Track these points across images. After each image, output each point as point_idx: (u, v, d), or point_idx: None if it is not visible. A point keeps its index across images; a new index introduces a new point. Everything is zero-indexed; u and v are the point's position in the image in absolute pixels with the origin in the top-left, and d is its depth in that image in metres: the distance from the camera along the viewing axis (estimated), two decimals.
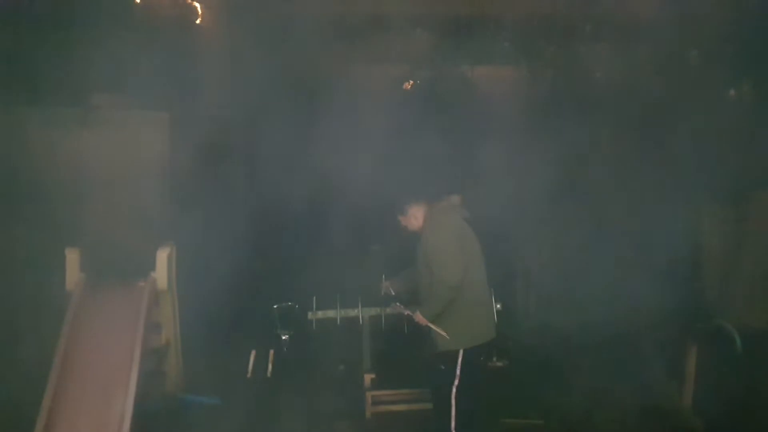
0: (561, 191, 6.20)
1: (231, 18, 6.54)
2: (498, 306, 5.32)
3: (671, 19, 5.88)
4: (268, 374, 5.08)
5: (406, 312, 4.02)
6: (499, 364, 5.75)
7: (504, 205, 5.90)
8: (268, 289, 5.71)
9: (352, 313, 4.96)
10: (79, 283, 3.95)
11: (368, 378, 4.88)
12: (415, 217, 3.92)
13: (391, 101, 6.38)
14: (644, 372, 5.41)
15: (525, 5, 6.05)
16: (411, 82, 6.43)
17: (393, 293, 4.35)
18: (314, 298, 5.02)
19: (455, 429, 3.75)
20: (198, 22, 6.23)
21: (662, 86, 6.03)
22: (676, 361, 5.40)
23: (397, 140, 6.20)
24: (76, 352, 3.48)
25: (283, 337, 5.12)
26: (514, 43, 5.86)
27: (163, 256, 4.26)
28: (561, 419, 4.73)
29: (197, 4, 6.18)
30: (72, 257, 4.09)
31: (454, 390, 3.74)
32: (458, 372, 3.75)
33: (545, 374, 5.48)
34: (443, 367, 3.79)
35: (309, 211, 6.36)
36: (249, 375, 5.06)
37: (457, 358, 3.76)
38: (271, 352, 5.12)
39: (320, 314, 5.04)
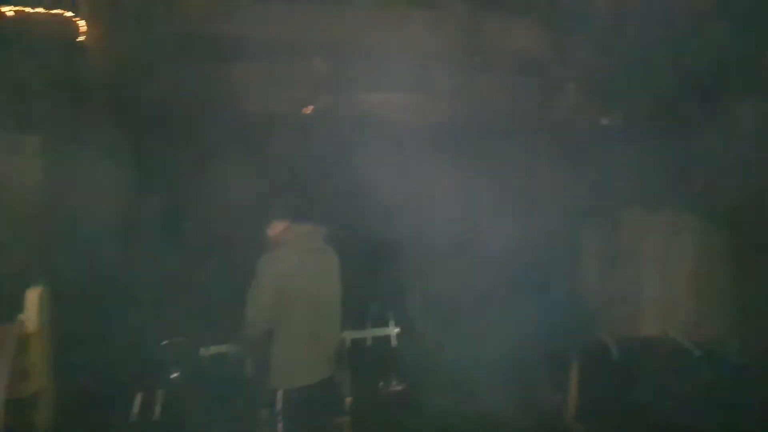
0: (450, 214, 6.41)
1: (117, 37, 6.10)
2: (396, 330, 5.42)
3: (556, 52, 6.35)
4: (156, 416, 4.71)
5: None
6: (398, 388, 5.77)
7: (399, 229, 5.99)
8: (157, 324, 5.33)
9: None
10: None
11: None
12: (271, 233, 3.80)
13: (286, 124, 6.28)
14: (533, 387, 5.67)
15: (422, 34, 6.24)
16: (311, 107, 6.37)
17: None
18: (207, 332, 4.76)
19: None
20: (80, 39, 5.73)
21: (546, 112, 6.48)
22: (562, 375, 5.71)
23: (286, 164, 6.12)
24: None
25: (172, 376, 4.81)
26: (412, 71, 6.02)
27: (33, 297, 3.83)
28: None
29: (79, 21, 5.68)
30: None
31: (279, 430, 3.60)
32: (278, 413, 3.60)
33: (442, 395, 5.57)
34: (267, 406, 3.70)
35: (197, 238, 6.04)
36: (133, 418, 4.67)
37: (275, 399, 3.63)
38: (160, 392, 4.76)
39: (213, 349, 4.79)
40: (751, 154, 6.52)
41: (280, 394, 3.60)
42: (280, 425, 3.58)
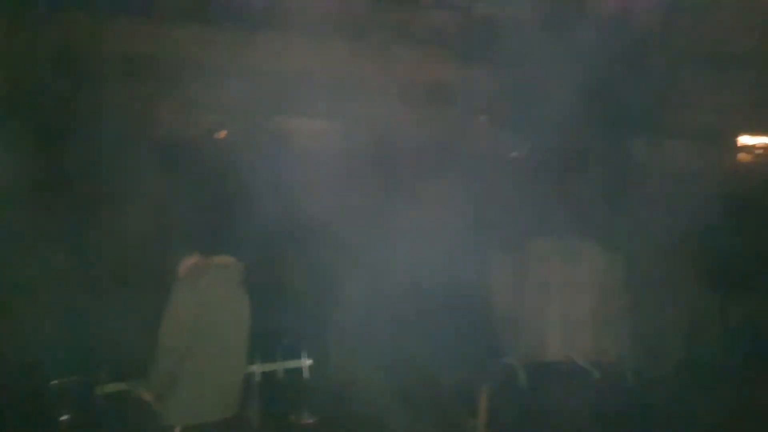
0: (362, 241, 6.40)
1: (18, 50, 5.70)
2: (309, 362, 5.30)
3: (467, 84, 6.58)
4: None
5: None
6: (309, 421, 5.63)
7: (310, 257, 5.92)
8: (43, 359, 4.90)
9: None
10: None
11: None
12: (184, 271, 3.74)
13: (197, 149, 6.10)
14: (447, 414, 5.71)
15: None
16: (224, 131, 6.22)
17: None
18: (105, 368, 4.43)
19: None
20: None
21: (453, 146, 6.68)
22: (473, 399, 5.80)
23: (199, 190, 5.92)
24: None
25: (62, 419, 4.42)
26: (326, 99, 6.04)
27: None
28: None
29: None
30: None
31: None
32: None
33: (356, 428, 5.48)
34: None
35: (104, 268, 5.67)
36: None
37: None
38: None
39: (111, 387, 4.45)
40: (647, 189, 7.05)
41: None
42: None
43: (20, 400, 4.67)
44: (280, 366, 5.17)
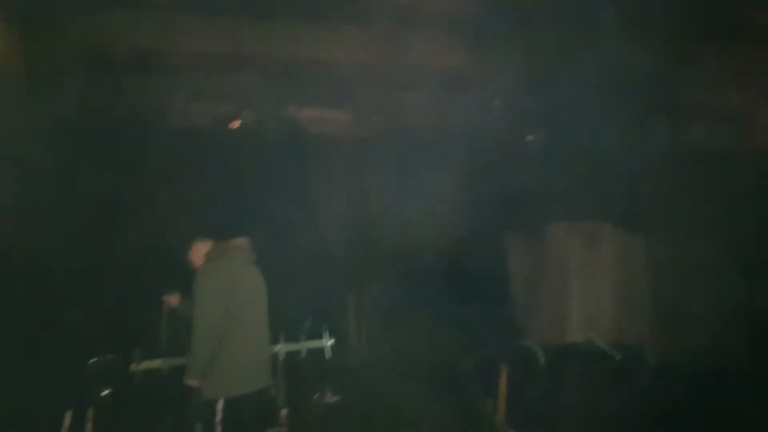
0: (382, 225, 6.53)
1: (31, 46, 5.98)
2: (331, 342, 5.50)
3: (481, 70, 6.60)
4: None
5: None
6: (333, 400, 5.83)
7: (331, 240, 6.08)
8: (85, 340, 5.24)
9: (179, 362, 4.73)
10: None
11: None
12: (197, 255, 3.89)
13: (214, 139, 6.29)
14: (465, 393, 5.85)
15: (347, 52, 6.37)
16: (238, 121, 6.40)
17: (175, 308, 4.25)
18: (138, 348, 4.73)
19: None
20: None
21: (467, 132, 6.73)
22: (493, 380, 5.90)
23: (210, 179, 6.12)
24: None
25: (103, 394, 4.74)
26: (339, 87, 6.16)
27: None
28: None
29: None
30: None
31: None
32: (218, 422, 3.63)
33: (376, 406, 5.68)
34: (203, 420, 3.73)
35: (125, 256, 5.97)
36: None
37: (215, 409, 3.65)
38: (90, 410, 4.68)
39: (144, 365, 4.75)
40: (663, 169, 7.02)
41: (219, 405, 3.61)
42: None
43: (64, 378, 5.04)
44: (303, 346, 5.36)
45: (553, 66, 6.39)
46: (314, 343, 5.44)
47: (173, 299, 4.28)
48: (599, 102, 6.33)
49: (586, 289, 7.47)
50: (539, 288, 7.50)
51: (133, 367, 4.72)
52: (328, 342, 5.47)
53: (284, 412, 4.78)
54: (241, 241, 3.92)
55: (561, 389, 6.33)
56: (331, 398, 5.81)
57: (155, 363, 4.77)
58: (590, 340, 7.22)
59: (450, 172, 6.81)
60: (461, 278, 6.75)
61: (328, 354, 5.48)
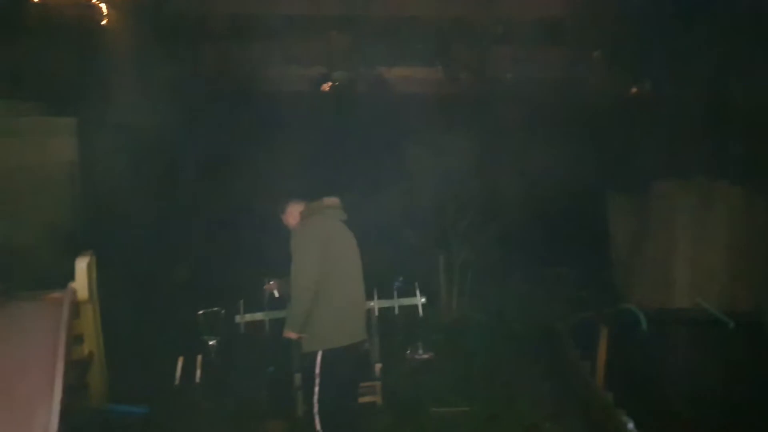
0: (472, 184, 6.42)
1: (140, 19, 6.34)
2: (423, 300, 5.54)
3: (579, 19, 6.25)
4: (197, 380, 5.02)
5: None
6: (425, 356, 5.92)
7: (422, 200, 6.06)
8: (193, 293, 5.65)
9: (281, 314, 4.98)
10: None
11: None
12: (292, 215, 3.97)
13: (304, 102, 6.42)
14: (560, 355, 5.72)
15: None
16: (329, 83, 6.49)
17: (277, 295, 4.39)
18: (241, 301, 5.03)
19: None
20: (103, 23, 6.02)
21: (565, 86, 6.39)
22: (590, 344, 5.71)
23: (301, 140, 6.25)
24: None
25: (210, 343, 5.10)
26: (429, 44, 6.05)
27: (82, 266, 4.12)
28: (486, 405, 4.92)
29: (102, 5, 5.98)
30: None
31: (316, 392, 3.72)
32: (317, 373, 3.72)
33: (469, 364, 5.70)
34: (303, 371, 3.85)
35: (229, 214, 6.31)
36: (177, 382, 4.99)
37: (315, 360, 3.74)
38: (199, 357, 5.07)
39: (248, 317, 5.05)
40: None
41: (318, 357, 3.74)
42: (317, 388, 3.71)
43: (176, 328, 5.49)
44: (395, 303, 5.46)
45: (660, 11, 5.90)
46: (407, 301, 5.50)
47: (272, 287, 4.44)
48: (719, 47, 5.79)
49: (696, 252, 7.04)
50: (643, 249, 7.14)
51: (238, 318, 5.03)
52: (421, 300, 5.51)
53: (379, 366, 4.91)
54: (333, 200, 4.01)
55: (666, 356, 6.04)
56: (422, 355, 5.91)
57: (258, 315, 5.06)
58: (700, 306, 6.84)
59: (546, 127, 6.56)
60: (558, 238, 6.55)
61: (420, 312, 5.54)
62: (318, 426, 3.72)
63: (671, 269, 7.06)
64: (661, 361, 5.87)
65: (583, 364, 5.61)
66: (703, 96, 6.24)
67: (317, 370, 3.72)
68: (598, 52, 6.52)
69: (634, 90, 6.80)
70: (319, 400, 3.72)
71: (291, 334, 3.82)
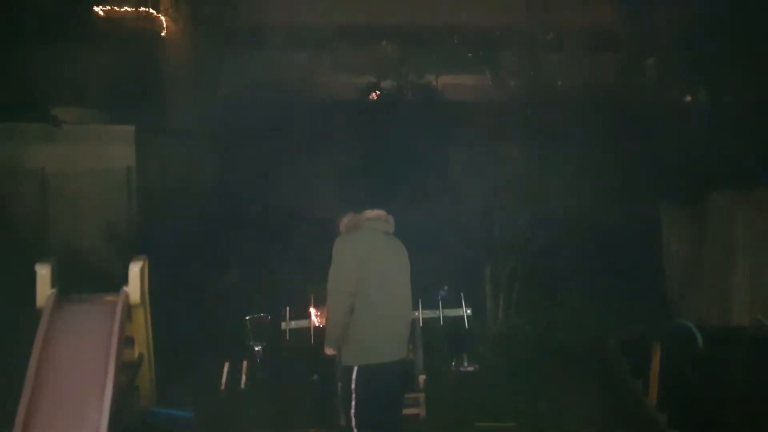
0: (526, 194, 6.33)
1: (197, 29, 6.54)
2: (468, 311, 5.48)
3: (632, 26, 6.11)
4: (242, 386, 5.08)
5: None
6: (470, 368, 5.82)
7: (470, 212, 6.00)
8: (241, 300, 5.74)
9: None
10: (50, 299, 3.91)
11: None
12: (344, 226, 3.87)
13: (353, 110, 6.48)
14: (611, 371, 5.55)
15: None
16: (377, 92, 6.54)
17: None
18: (287, 308, 5.08)
19: None
20: (163, 34, 6.24)
21: (617, 94, 6.25)
22: (642, 360, 5.52)
23: (350, 149, 6.29)
24: (49, 368, 3.45)
25: (257, 349, 5.16)
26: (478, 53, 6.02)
27: (135, 270, 4.24)
28: (532, 421, 4.80)
29: (162, 17, 6.21)
30: (43, 273, 4.04)
31: (352, 408, 3.63)
32: (353, 389, 3.63)
33: (515, 377, 5.59)
34: (342, 383, 3.78)
35: (278, 222, 6.39)
36: (222, 387, 5.06)
37: (351, 376, 3.65)
38: (245, 363, 5.12)
39: (294, 324, 5.09)
40: None
41: (354, 372, 3.67)
42: (353, 402, 3.64)
43: (223, 333, 5.57)
44: (440, 313, 5.40)
45: (714, 17, 5.69)
46: (452, 312, 5.44)
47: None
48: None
49: (755, 266, 6.74)
50: (699, 263, 6.88)
51: (284, 325, 5.07)
52: (466, 311, 5.45)
53: (422, 377, 4.85)
54: (377, 212, 3.93)
55: (723, 375, 5.77)
56: (468, 367, 5.82)
57: (303, 323, 5.09)
58: (760, 323, 6.54)
59: (598, 136, 6.41)
60: (610, 250, 6.35)
61: (465, 322, 5.47)
62: None
63: (729, 284, 6.77)
64: (718, 381, 5.61)
65: (634, 382, 5.42)
66: (762, 104, 5.98)
67: (353, 386, 3.65)
68: (651, 59, 6.35)
69: (688, 98, 6.59)
70: (356, 415, 3.65)
71: (328, 351, 3.80)
